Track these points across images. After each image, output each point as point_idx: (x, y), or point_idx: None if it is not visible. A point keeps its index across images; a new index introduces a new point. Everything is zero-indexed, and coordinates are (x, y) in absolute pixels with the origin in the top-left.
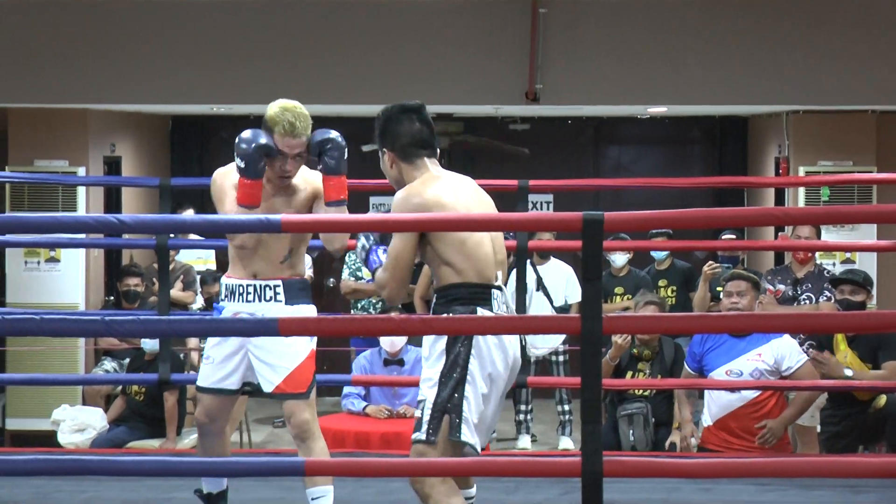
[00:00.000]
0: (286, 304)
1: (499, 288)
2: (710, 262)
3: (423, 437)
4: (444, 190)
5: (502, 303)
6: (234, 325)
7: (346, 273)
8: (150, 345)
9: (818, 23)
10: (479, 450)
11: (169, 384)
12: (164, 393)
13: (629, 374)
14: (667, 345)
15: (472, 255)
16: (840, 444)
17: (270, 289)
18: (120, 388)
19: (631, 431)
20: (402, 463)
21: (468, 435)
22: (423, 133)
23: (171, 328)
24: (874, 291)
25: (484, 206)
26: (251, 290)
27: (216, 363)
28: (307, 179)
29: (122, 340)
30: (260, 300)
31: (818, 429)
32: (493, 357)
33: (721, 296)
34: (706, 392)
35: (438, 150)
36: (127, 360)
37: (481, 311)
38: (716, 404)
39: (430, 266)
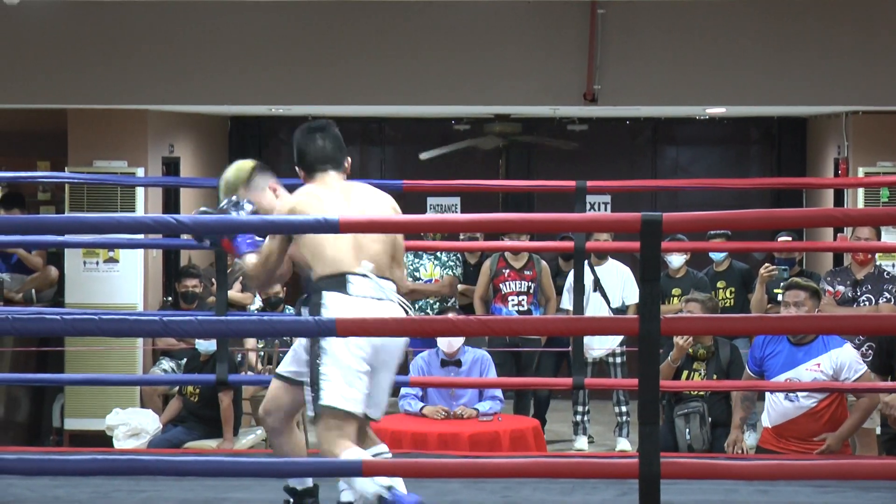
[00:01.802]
0: None
1: (363, 275)
2: (767, 264)
3: (311, 413)
4: (307, 197)
5: (370, 287)
6: (293, 325)
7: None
8: (204, 346)
9: (878, 23)
10: (357, 413)
11: (226, 385)
12: (218, 394)
13: (685, 373)
14: (722, 345)
15: (326, 254)
16: None
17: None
18: (176, 388)
19: (687, 430)
20: (458, 464)
21: (339, 401)
22: (326, 149)
23: (228, 329)
24: None
25: (362, 208)
26: None
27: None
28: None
29: (180, 341)
30: None
31: (877, 431)
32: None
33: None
34: (766, 397)
35: (345, 161)
36: (184, 361)
37: (329, 294)
38: (775, 411)
39: (300, 266)
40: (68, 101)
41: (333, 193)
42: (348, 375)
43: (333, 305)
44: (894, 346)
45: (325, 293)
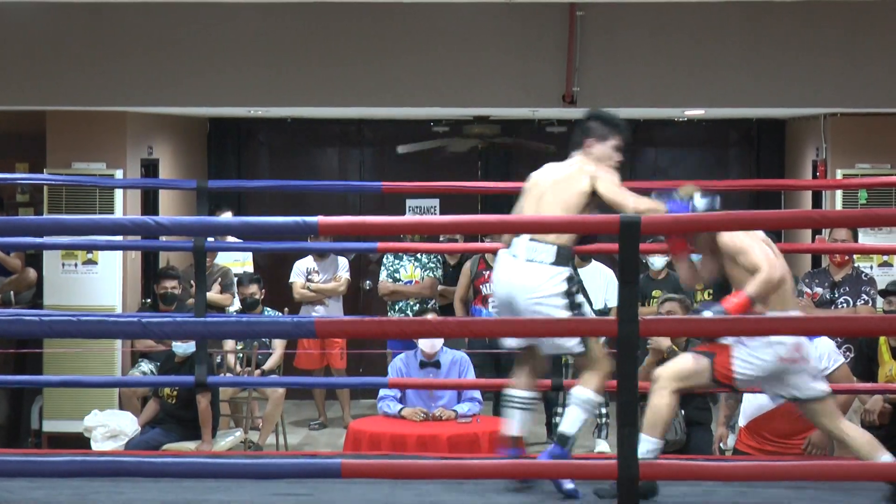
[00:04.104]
0: None
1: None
2: None
3: None
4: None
5: None
6: (272, 326)
7: (383, 275)
8: (181, 348)
9: (856, 25)
10: None
11: (204, 386)
12: (196, 395)
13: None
14: (692, 343)
15: None
16: None
17: None
18: (153, 390)
19: None
20: (439, 465)
21: None
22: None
23: (207, 330)
24: None
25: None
26: None
27: None
28: None
29: (159, 343)
30: None
31: None
32: None
33: None
34: (744, 395)
35: (583, 143)
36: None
37: None
38: (751, 406)
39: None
40: (47, 102)
41: (548, 169)
42: None
43: None
44: (875, 350)
45: None
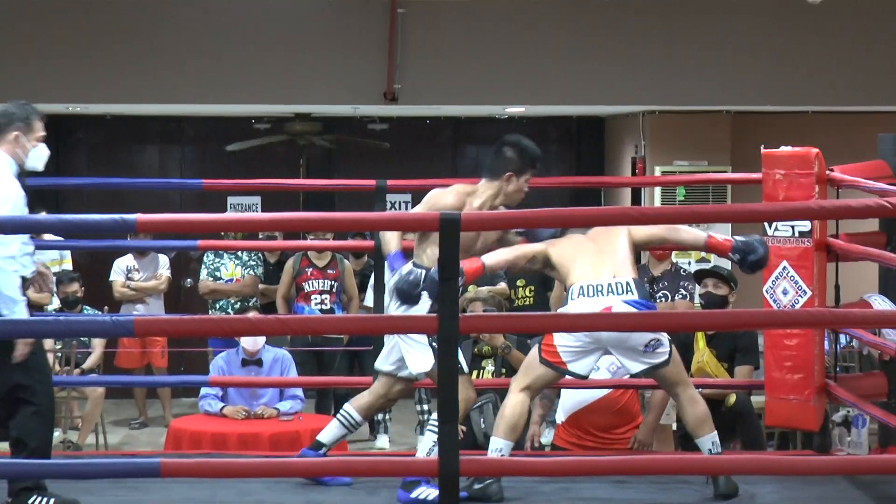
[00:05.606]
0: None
1: None
2: None
3: None
4: None
5: None
6: (91, 325)
7: (204, 273)
8: None
9: (673, 24)
10: None
11: None
12: None
13: (475, 372)
14: (510, 341)
15: None
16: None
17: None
18: None
19: (482, 419)
20: (259, 463)
21: None
22: None
23: (25, 329)
24: None
25: None
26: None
27: None
28: None
29: None
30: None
31: (674, 427)
32: None
33: None
34: (562, 391)
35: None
36: None
37: None
38: (570, 400)
39: None
40: None
41: None
42: None
43: None
44: (691, 339)
45: None
